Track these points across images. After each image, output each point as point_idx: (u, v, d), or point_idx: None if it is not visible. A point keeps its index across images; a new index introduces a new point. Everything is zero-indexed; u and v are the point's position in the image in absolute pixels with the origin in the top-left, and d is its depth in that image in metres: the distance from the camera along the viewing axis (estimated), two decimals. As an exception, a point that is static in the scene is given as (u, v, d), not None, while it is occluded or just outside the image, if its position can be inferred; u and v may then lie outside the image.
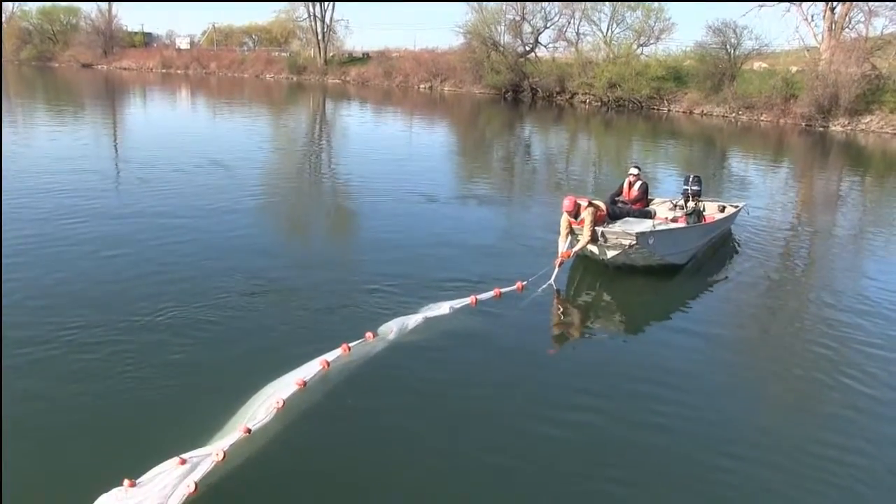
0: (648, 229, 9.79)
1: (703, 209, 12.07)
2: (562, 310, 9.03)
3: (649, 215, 10.87)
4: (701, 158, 26.28)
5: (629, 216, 10.54)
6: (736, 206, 12.97)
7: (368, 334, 7.21)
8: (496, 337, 7.81)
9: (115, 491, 4.53)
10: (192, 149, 20.54)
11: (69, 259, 9.59)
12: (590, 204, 9.86)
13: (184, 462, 4.85)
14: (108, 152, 20.72)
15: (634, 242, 9.55)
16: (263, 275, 9.23)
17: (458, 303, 8.27)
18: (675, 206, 12.06)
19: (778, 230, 13.94)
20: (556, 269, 9.46)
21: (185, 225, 11.68)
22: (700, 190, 12.15)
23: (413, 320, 7.69)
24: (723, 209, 12.51)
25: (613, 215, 10.38)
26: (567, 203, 9.76)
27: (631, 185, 11.76)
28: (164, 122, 31.20)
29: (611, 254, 9.89)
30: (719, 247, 12.00)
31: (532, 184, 19.38)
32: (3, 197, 12.48)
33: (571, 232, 9.90)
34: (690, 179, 12.18)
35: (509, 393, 6.50)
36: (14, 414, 5.59)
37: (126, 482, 4.59)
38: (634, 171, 11.89)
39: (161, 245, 10.39)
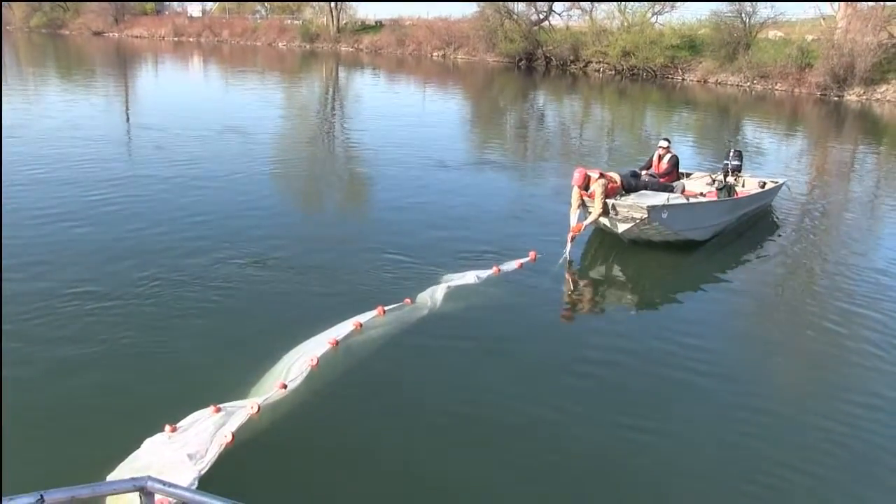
0: (661, 203, 9.52)
1: (743, 184, 11.85)
2: (576, 283, 9.14)
3: (669, 189, 10.54)
4: (715, 127, 26.26)
5: (648, 189, 10.27)
6: (775, 182, 12.56)
7: (407, 300, 7.48)
8: (518, 307, 8.06)
9: (158, 436, 4.82)
10: (208, 117, 20.81)
11: (106, 221, 9.99)
12: (601, 175, 9.67)
13: (218, 410, 5.12)
14: (125, 120, 20.99)
15: (646, 216, 9.36)
16: (286, 241, 9.55)
17: (483, 273, 8.49)
18: (714, 180, 11.68)
19: (796, 202, 13.87)
20: (569, 244, 9.41)
21: (207, 191, 12.05)
22: (741, 165, 11.91)
23: (441, 288, 7.90)
24: (763, 185, 12.15)
25: (629, 188, 10.07)
26: (577, 176, 9.63)
27: (661, 157, 11.42)
28: (178, 90, 31.37)
29: (622, 227, 9.73)
30: (755, 222, 11.82)
31: (546, 152, 19.52)
32: (20, 165, 12.85)
33: (583, 205, 9.75)
34: (731, 154, 11.86)
35: (527, 360, 6.74)
36: (64, 367, 5.91)
37: (167, 427, 4.88)
38: (664, 143, 11.52)
39: (188, 210, 10.77)
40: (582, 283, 9.21)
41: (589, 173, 9.67)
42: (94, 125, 18.33)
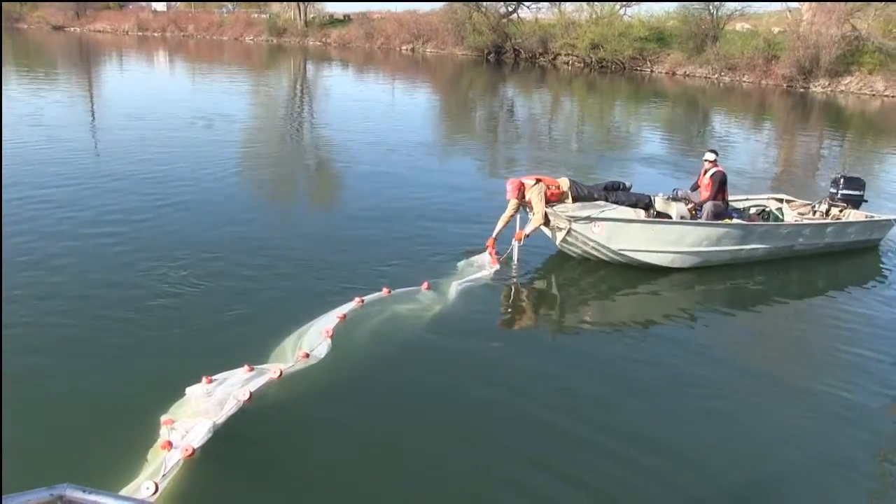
0: (587, 214, 8.32)
1: (848, 216, 10.13)
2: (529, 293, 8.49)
3: (640, 202, 8.89)
4: (683, 119, 26.43)
5: (609, 200, 8.82)
6: (870, 217, 10.23)
7: (425, 283, 7.61)
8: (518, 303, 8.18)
9: (197, 386, 5.28)
10: (184, 110, 20.47)
11: (137, 215, 10.02)
12: (538, 181, 8.68)
13: (251, 370, 5.56)
14: (91, 117, 20.45)
15: (567, 227, 8.34)
16: (287, 234, 9.56)
17: (485, 267, 8.36)
18: (815, 211, 10.16)
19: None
20: (516, 250, 8.57)
21: (206, 186, 12.05)
22: (854, 196, 10.02)
23: (456, 283, 7.79)
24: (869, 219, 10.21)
25: (577, 196, 8.78)
26: (509, 188, 8.67)
27: (706, 172, 9.50)
28: (145, 86, 30.67)
29: (554, 239, 8.76)
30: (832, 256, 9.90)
31: (515, 145, 19.41)
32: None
33: (523, 211, 8.88)
34: (838, 181, 10.14)
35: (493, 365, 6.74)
36: (123, 333, 6.45)
37: (204, 379, 5.33)
38: (710, 156, 9.54)
39: (198, 203, 10.88)
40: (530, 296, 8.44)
41: (524, 181, 8.73)
42: (60, 123, 17.70)
